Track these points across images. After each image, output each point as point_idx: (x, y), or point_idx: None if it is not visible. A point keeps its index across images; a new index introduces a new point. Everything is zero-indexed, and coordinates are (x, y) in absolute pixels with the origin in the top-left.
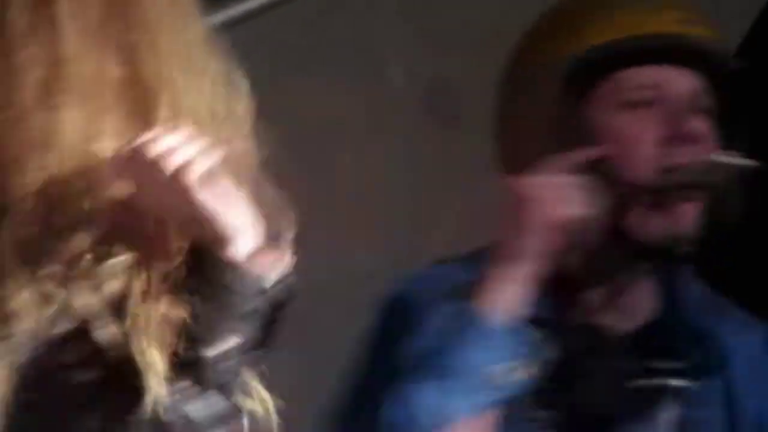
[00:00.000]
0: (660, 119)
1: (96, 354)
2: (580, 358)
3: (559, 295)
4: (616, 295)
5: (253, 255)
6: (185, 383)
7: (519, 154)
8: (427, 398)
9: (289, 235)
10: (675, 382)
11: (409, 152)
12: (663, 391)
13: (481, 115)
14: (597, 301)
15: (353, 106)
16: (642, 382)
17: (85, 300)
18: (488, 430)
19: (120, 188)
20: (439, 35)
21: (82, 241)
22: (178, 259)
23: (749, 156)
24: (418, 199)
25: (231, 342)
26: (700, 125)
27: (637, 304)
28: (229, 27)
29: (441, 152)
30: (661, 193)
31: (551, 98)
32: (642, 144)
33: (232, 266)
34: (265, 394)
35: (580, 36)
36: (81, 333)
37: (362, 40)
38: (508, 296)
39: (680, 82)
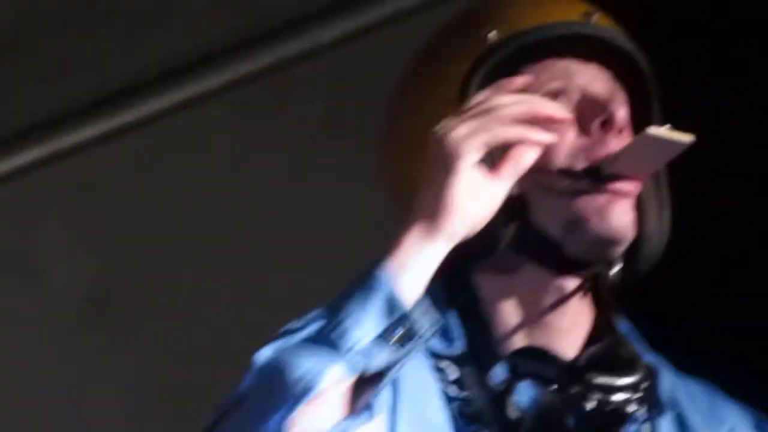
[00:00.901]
0: (576, 111)
1: None
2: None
3: (470, 323)
4: (547, 313)
5: None
6: None
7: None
8: (299, 357)
9: None
10: (627, 408)
11: (72, 353)
12: (613, 417)
13: (150, 316)
14: (518, 326)
15: (20, 307)
16: (590, 407)
17: None
18: (346, 399)
19: None
20: (104, 239)
21: None
22: None
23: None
24: (83, 406)
25: None
26: (621, 110)
27: (569, 326)
28: None
29: (104, 352)
30: (595, 190)
31: (449, 108)
32: (563, 134)
33: None
34: None
35: (477, 37)
36: None
37: (27, 244)
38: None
39: (591, 73)
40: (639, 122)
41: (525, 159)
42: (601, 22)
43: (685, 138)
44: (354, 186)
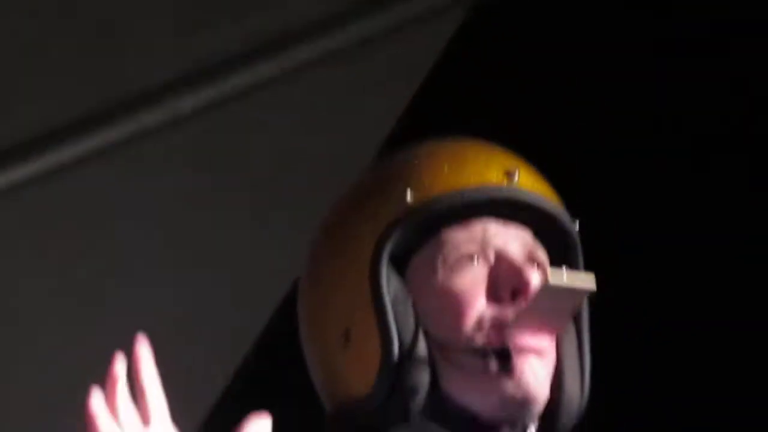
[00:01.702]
0: (490, 276)
1: None
2: None
3: None
4: None
5: None
6: None
7: (328, 336)
8: None
9: None
10: None
11: None
12: None
13: None
14: None
15: None
16: None
17: None
18: None
19: None
20: None
21: None
22: None
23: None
24: None
25: None
26: (534, 278)
27: None
28: None
29: None
30: (502, 357)
31: (363, 269)
32: (473, 303)
33: None
34: None
35: (393, 199)
36: None
37: None
38: None
39: (509, 234)
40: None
41: None
42: (522, 181)
43: (587, 283)
44: None
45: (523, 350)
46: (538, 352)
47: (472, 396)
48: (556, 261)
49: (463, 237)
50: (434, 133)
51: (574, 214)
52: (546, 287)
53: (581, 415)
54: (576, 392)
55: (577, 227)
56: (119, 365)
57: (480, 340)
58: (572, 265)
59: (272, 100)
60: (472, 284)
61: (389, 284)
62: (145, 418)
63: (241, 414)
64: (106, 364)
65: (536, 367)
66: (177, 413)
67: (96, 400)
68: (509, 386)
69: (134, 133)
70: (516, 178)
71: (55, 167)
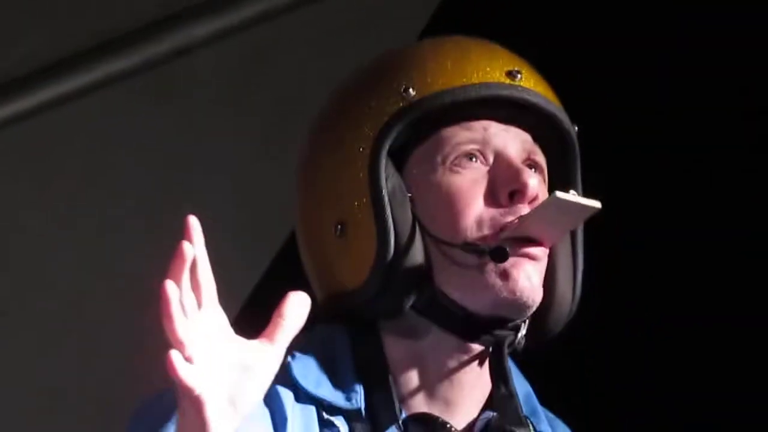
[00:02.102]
0: (489, 176)
1: None
2: None
3: (371, 381)
4: (442, 380)
5: None
6: None
7: (323, 227)
8: None
9: None
10: None
11: None
12: None
13: None
14: (417, 389)
15: None
16: None
17: None
18: None
19: None
20: None
21: None
22: None
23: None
24: None
25: None
26: (532, 181)
27: (468, 393)
28: None
29: None
30: (498, 254)
31: (362, 162)
32: (472, 202)
33: None
34: None
35: (395, 92)
36: None
37: None
38: None
39: (509, 136)
40: (561, 179)
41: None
42: (525, 81)
43: (593, 203)
44: None
45: (518, 255)
46: (533, 258)
47: (465, 293)
48: (554, 166)
49: (464, 136)
50: None
51: (574, 120)
52: (554, 199)
53: (571, 317)
54: (567, 295)
55: (576, 131)
56: (187, 250)
57: (477, 238)
58: (570, 167)
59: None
60: (471, 183)
61: (387, 179)
62: (199, 301)
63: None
64: (111, 287)
65: (530, 272)
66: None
67: (171, 285)
68: (503, 288)
69: (139, 63)
70: (519, 77)
71: (56, 99)
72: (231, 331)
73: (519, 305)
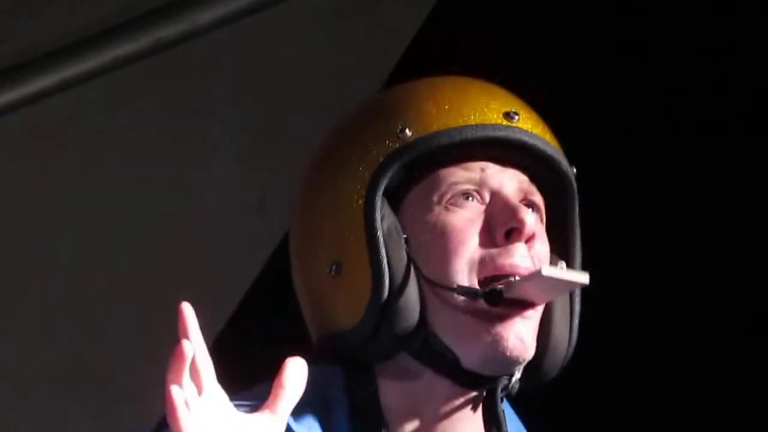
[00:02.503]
0: (485, 215)
1: None
2: None
3: (365, 426)
4: (436, 425)
5: None
6: None
7: (318, 266)
8: None
9: None
10: None
11: None
12: None
13: None
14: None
15: None
16: None
17: None
18: None
19: None
20: None
21: None
22: None
23: (582, 268)
24: None
25: None
26: (529, 218)
27: None
28: None
29: None
30: (491, 297)
31: (357, 202)
32: (466, 242)
33: None
34: None
35: (391, 132)
36: None
37: None
38: None
39: (506, 176)
40: (559, 221)
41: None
42: (522, 123)
43: (581, 279)
44: None
45: (509, 314)
46: (524, 318)
47: (456, 341)
48: (553, 208)
49: (460, 175)
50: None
51: (572, 161)
52: (539, 276)
53: (567, 363)
54: (564, 340)
55: (574, 173)
56: (186, 349)
57: (471, 279)
58: (568, 208)
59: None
60: (467, 223)
61: (383, 219)
62: (199, 389)
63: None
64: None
65: (521, 330)
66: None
67: (174, 387)
68: (492, 347)
69: (139, 51)
70: (516, 119)
71: (57, 85)
72: (233, 408)
73: (508, 364)
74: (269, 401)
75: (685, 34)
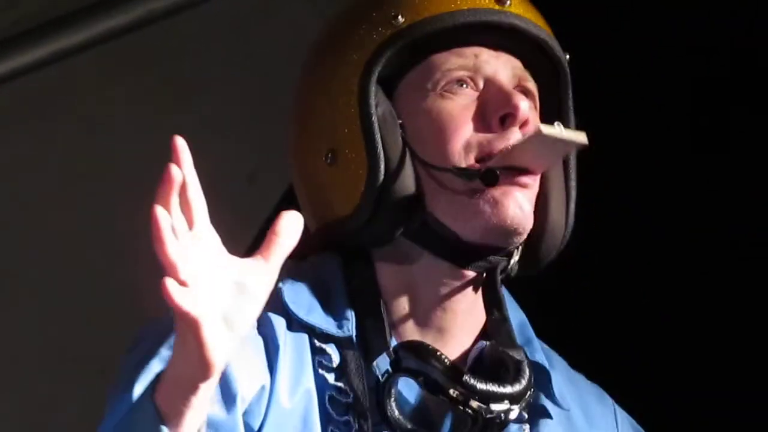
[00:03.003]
0: (479, 101)
1: None
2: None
3: (363, 309)
4: (435, 308)
5: None
6: None
7: (315, 156)
8: None
9: None
10: (507, 416)
11: None
12: (492, 425)
13: None
14: (410, 317)
15: None
16: (469, 412)
17: None
18: None
19: None
20: None
21: None
22: None
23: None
24: None
25: None
26: (523, 104)
27: (461, 321)
28: None
29: None
30: (488, 178)
31: (351, 89)
32: (462, 127)
33: None
34: None
35: (384, 19)
36: None
37: None
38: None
39: (499, 62)
40: (552, 108)
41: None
42: (514, 8)
43: (579, 138)
44: None
45: (508, 183)
46: (522, 185)
47: (456, 220)
48: (547, 94)
49: (454, 62)
50: None
51: (566, 47)
52: (538, 135)
53: (565, 243)
54: (560, 222)
55: (567, 58)
56: (174, 173)
57: (466, 162)
58: (562, 95)
59: None
60: (461, 108)
61: (378, 105)
62: (189, 222)
63: None
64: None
65: (520, 199)
66: None
67: (161, 211)
68: (493, 216)
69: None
70: (508, 3)
71: (49, 57)
72: (224, 250)
73: (509, 232)
74: (262, 248)
75: None
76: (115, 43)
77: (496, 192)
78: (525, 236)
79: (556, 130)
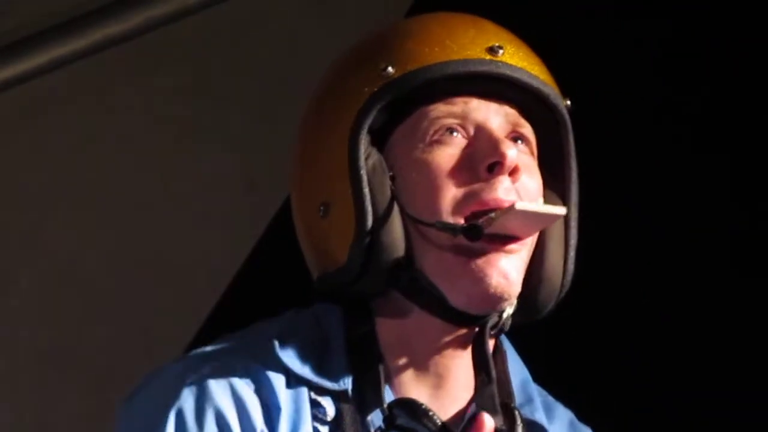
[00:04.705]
0: (469, 149)
1: None
2: None
3: (361, 362)
4: (429, 363)
5: None
6: None
7: (310, 208)
8: None
9: None
10: None
11: None
12: None
13: None
14: (406, 372)
15: None
16: None
17: None
18: None
19: None
20: None
21: None
22: None
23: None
24: None
25: None
26: (511, 152)
27: (454, 377)
28: None
29: None
30: (471, 233)
31: (342, 141)
32: (449, 179)
33: None
34: None
35: (375, 71)
36: None
37: None
38: None
39: (490, 109)
40: (556, 153)
41: None
42: (507, 57)
43: (556, 211)
44: None
45: (492, 250)
46: (507, 252)
47: (444, 279)
48: (549, 141)
49: (443, 110)
50: None
51: (567, 93)
52: (512, 210)
53: (564, 291)
54: (558, 270)
55: (568, 104)
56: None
57: (455, 216)
58: (563, 141)
59: None
60: (450, 158)
61: (368, 158)
62: None
63: None
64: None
65: (505, 267)
66: None
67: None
68: (475, 286)
69: (140, 26)
70: (500, 53)
71: (48, 64)
72: None
73: (493, 301)
74: None
75: None
76: (113, 50)
77: (480, 260)
78: (513, 301)
79: (532, 204)
